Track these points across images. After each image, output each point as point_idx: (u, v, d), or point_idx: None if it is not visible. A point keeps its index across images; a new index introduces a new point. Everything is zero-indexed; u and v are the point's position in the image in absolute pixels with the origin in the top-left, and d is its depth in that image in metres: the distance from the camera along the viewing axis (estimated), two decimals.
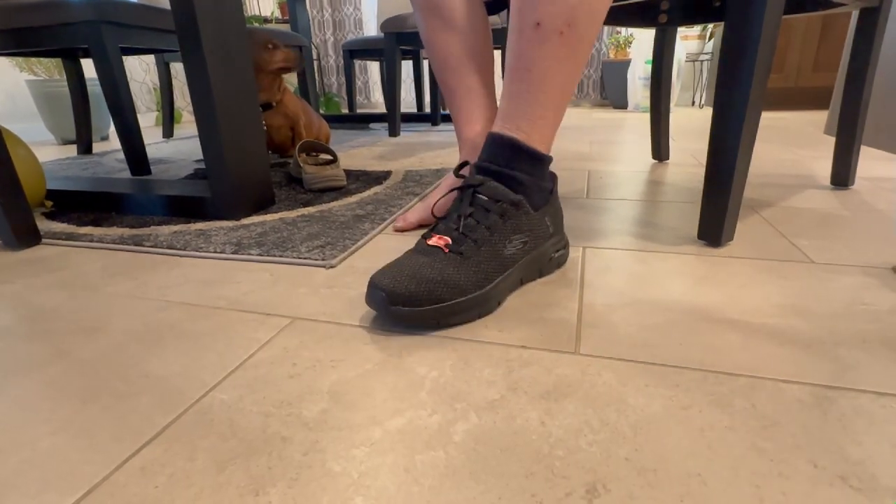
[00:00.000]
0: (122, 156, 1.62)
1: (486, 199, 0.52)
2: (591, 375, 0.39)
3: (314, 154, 1.21)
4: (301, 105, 1.42)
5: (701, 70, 3.09)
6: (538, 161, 0.54)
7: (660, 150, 1.26)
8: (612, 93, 3.17)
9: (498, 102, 0.60)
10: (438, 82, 0.78)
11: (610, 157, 1.35)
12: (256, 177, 0.87)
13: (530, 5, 0.50)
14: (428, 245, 0.51)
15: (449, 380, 0.40)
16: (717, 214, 0.65)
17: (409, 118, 2.33)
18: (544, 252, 0.57)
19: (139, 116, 2.79)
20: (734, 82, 0.60)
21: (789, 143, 1.54)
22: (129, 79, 2.70)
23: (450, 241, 0.50)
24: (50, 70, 2.17)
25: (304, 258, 0.65)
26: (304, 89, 2.18)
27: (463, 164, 0.57)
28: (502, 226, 0.51)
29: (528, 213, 0.53)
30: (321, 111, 3.03)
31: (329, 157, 1.18)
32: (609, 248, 0.67)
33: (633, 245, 0.68)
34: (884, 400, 0.36)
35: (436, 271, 0.47)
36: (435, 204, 0.71)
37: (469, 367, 0.41)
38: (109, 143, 2.08)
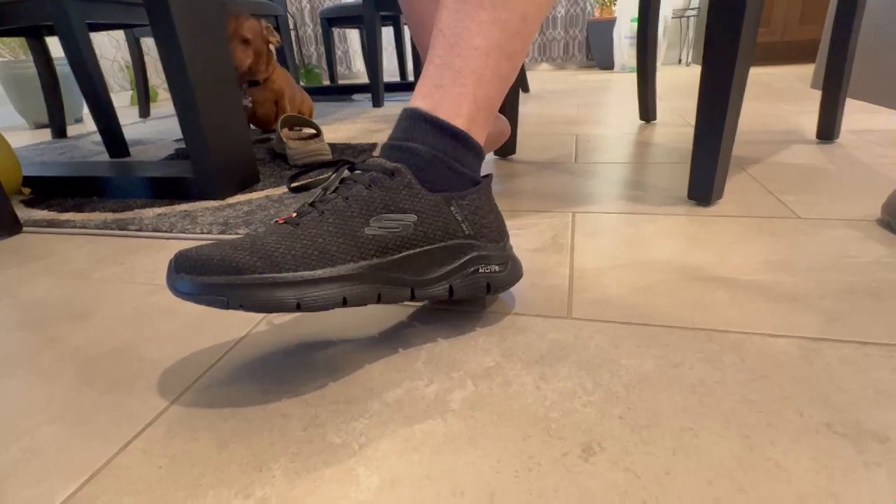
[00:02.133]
0: (98, 138, 1.57)
1: (358, 172, 0.40)
2: (583, 339, 0.40)
3: (297, 129, 1.19)
4: (287, 79, 1.39)
5: (687, 27, 3.03)
6: (446, 134, 0.41)
7: (647, 110, 1.25)
8: (597, 53, 3.11)
9: None
10: (416, 46, 0.75)
11: (597, 120, 1.33)
12: (239, 155, 0.85)
13: None
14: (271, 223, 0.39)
15: (444, 349, 0.40)
16: (706, 174, 0.65)
17: (392, 87, 2.28)
18: (449, 255, 0.41)
19: (113, 96, 2.70)
20: (723, 37, 0.59)
21: (776, 98, 1.53)
22: (99, 57, 2.60)
23: (294, 214, 0.39)
24: (15, 51, 2.08)
25: None
26: (283, 62, 2.12)
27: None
28: (365, 194, 0.38)
29: (413, 188, 0.39)
30: (302, 84, 2.95)
31: (313, 130, 1.15)
32: (599, 213, 0.67)
33: (624, 208, 0.68)
34: (867, 349, 0.37)
35: (248, 240, 0.36)
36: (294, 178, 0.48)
37: (464, 336, 0.41)
38: (84, 126, 2.02)
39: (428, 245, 0.40)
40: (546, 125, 1.31)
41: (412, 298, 0.40)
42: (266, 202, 0.78)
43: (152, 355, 0.42)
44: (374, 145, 1.17)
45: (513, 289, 0.49)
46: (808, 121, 1.17)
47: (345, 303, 0.36)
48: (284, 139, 1.07)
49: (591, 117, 1.39)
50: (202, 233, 0.67)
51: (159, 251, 0.64)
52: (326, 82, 3.54)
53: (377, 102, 1.84)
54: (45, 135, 1.81)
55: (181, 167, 0.85)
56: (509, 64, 0.43)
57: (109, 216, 0.77)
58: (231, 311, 0.48)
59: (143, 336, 0.45)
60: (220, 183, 0.80)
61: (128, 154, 1.25)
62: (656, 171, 0.84)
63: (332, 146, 1.18)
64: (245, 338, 0.43)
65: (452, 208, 0.41)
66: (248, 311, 0.34)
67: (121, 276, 0.58)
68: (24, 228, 0.75)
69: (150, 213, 0.77)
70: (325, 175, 0.43)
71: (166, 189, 0.83)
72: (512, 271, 0.45)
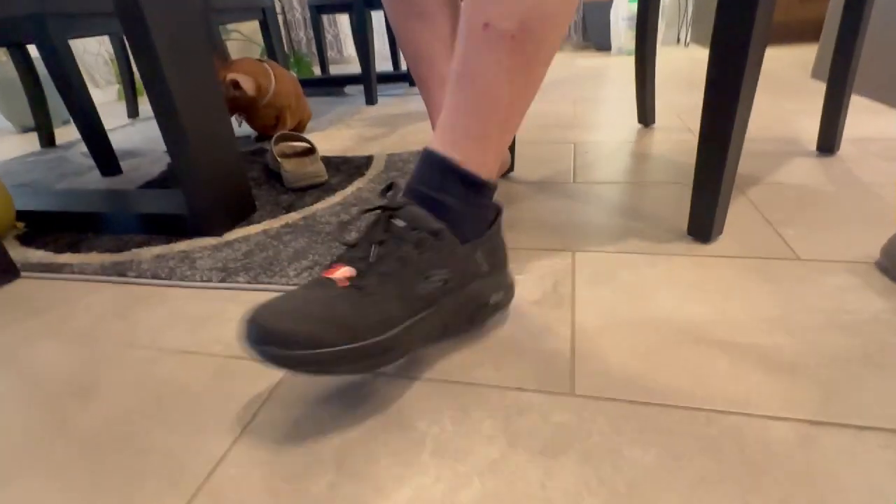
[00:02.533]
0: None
1: (402, 225, 0.44)
2: (586, 423, 0.41)
3: (291, 142, 1.17)
4: (290, 90, 1.34)
5: (686, 4, 2.95)
6: (474, 187, 0.46)
7: (646, 114, 1.23)
8: (594, 34, 3.04)
9: None
10: (411, 72, 0.73)
11: (595, 123, 1.32)
12: (233, 187, 0.84)
13: (479, 3, 0.42)
14: (324, 277, 0.43)
15: (450, 436, 0.41)
16: (706, 213, 0.65)
17: (385, 78, 2.23)
18: (475, 295, 0.49)
19: (99, 92, 2.64)
20: (725, 81, 0.58)
21: (774, 92, 1.51)
22: (82, 52, 2.52)
23: (352, 273, 0.43)
24: None
25: (294, 284, 0.64)
26: (272, 52, 2.06)
27: (389, 186, 0.48)
28: (417, 258, 0.43)
29: (453, 245, 0.45)
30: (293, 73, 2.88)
31: (306, 144, 1.14)
32: (599, 252, 0.67)
33: (623, 247, 0.68)
34: (864, 436, 0.37)
35: (324, 308, 0.39)
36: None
37: (468, 419, 0.42)
38: (73, 130, 1.97)
39: (459, 290, 0.47)
40: (544, 130, 1.29)
41: (445, 333, 0.48)
42: (264, 239, 0.77)
43: (161, 444, 0.42)
44: (370, 158, 1.15)
45: (517, 354, 0.49)
46: (809, 125, 1.15)
47: (403, 356, 0.44)
48: (279, 159, 1.06)
49: (589, 118, 1.37)
50: (202, 280, 0.67)
51: (161, 303, 0.64)
52: (317, 69, 3.45)
53: (370, 100, 1.80)
54: (33, 140, 1.78)
55: (174, 201, 0.84)
56: (527, 105, 0.47)
57: (107, 258, 0.76)
58: (239, 387, 0.48)
59: (150, 419, 0.45)
60: (216, 218, 0.80)
61: (119, 171, 1.23)
62: (656, 195, 0.83)
63: (328, 161, 1.16)
64: (253, 420, 0.44)
65: (477, 254, 0.48)
66: (332, 375, 0.44)
67: (123, 336, 0.58)
68: (22, 273, 0.75)
69: (147, 253, 0.77)
70: (368, 223, 0.48)
71: (162, 225, 0.82)
72: (510, 292, 0.54)
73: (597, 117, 1.37)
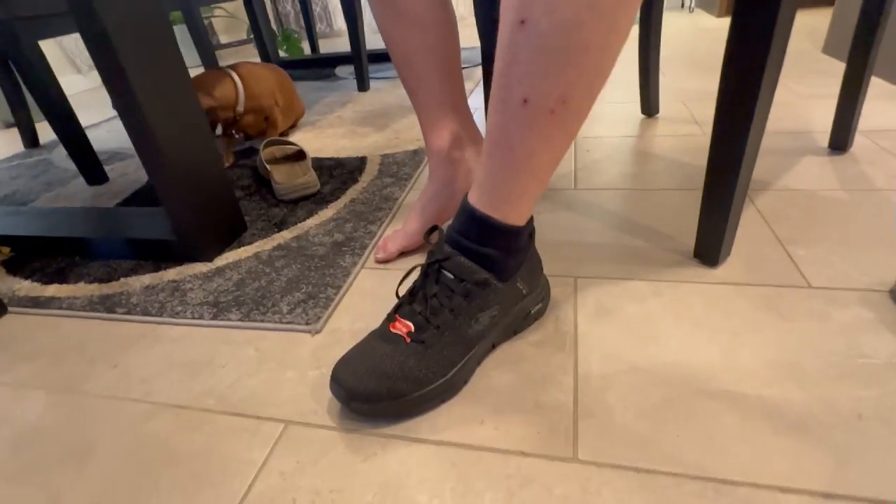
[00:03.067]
0: None
1: (451, 277, 0.49)
2: (591, 495, 0.40)
3: (280, 145, 1.12)
4: (277, 83, 1.27)
5: None
6: (512, 235, 0.49)
7: (649, 104, 1.18)
8: None
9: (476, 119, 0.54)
10: (398, 74, 0.70)
11: (596, 112, 1.26)
12: (221, 208, 0.81)
13: (517, 78, 0.41)
14: (391, 332, 0.50)
15: None
16: (715, 235, 0.62)
17: (376, 57, 2.14)
18: (518, 313, 0.55)
19: (80, 78, 2.56)
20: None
21: (785, 71, 1.44)
22: (61, 38, 2.42)
23: (412, 327, 0.49)
24: None
25: (288, 322, 0.62)
26: (257, 28, 1.97)
27: (433, 230, 0.53)
28: (467, 307, 0.49)
29: (498, 290, 0.50)
30: (282, 53, 2.77)
31: (296, 147, 1.09)
32: (602, 279, 0.64)
33: (628, 271, 0.65)
34: None
35: (396, 365, 0.47)
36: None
37: (470, 492, 0.41)
38: None
39: (506, 318, 0.53)
40: None
41: (493, 349, 0.55)
42: (256, 266, 0.75)
43: None
44: (363, 160, 1.11)
45: (518, 409, 0.48)
46: (821, 115, 1.11)
47: (465, 383, 0.51)
48: (268, 165, 1.02)
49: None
50: (193, 318, 0.65)
51: (152, 344, 0.62)
52: (306, 47, 3.31)
53: (362, 86, 1.74)
54: (16, 138, 1.72)
55: (162, 224, 0.81)
56: (563, 156, 0.47)
57: (96, 290, 0.74)
58: (233, 451, 0.46)
59: (143, 489, 0.44)
60: (205, 242, 0.77)
61: (105, 178, 1.19)
62: (661, 205, 0.80)
63: (319, 164, 1.12)
64: (248, 494, 0.43)
65: (518, 284, 0.53)
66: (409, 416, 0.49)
67: (115, 387, 0.56)
68: (10, 309, 0.73)
69: (137, 283, 0.74)
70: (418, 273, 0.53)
71: (151, 251, 0.80)
72: (547, 298, 0.59)
73: (599, 105, 1.32)
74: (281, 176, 0.98)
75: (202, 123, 0.76)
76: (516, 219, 0.48)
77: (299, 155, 1.08)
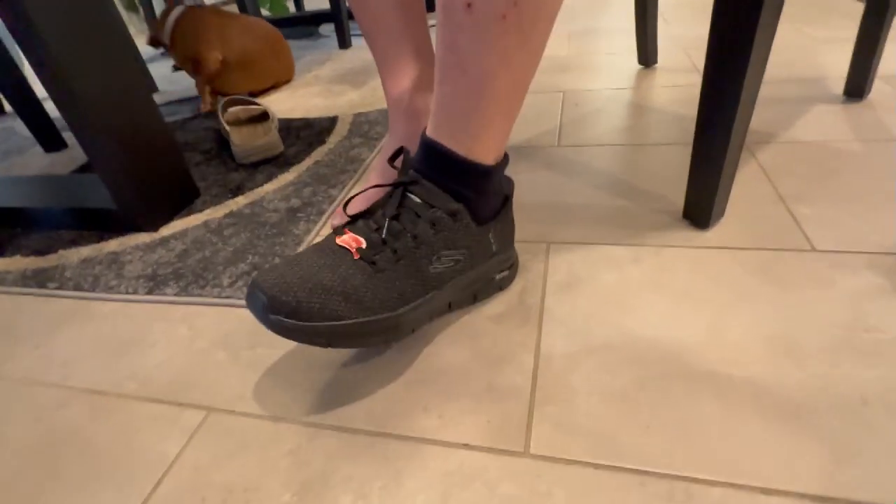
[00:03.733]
0: None
1: (419, 201, 0.42)
2: (540, 496, 0.34)
3: (245, 105, 1.04)
4: (210, 30, 1.17)
5: None
6: (481, 174, 0.43)
7: (647, 52, 1.08)
8: None
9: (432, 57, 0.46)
10: (357, 23, 0.62)
11: (590, 63, 1.16)
12: (167, 174, 0.74)
13: None
14: (336, 244, 0.42)
15: None
16: (705, 193, 0.55)
17: None
18: (483, 274, 0.48)
19: None
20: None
21: (800, 14, 1.31)
22: None
23: (364, 243, 0.41)
24: None
25: (227, 297, 0.56)
26: None
27: (398, 153, 0.46)
28: (432, 238, 0.42)
29: (469, 227, 0.44)
30: (265, 12, 2.62)
31: (261, 107, 1.01)
32: (578, 243, 0.57)
33: (607, 235, 0.58)
34: None
35: (336, 278, 0.39)
36: (349, 201, 0.50)
37: (400, 491, 0.35)
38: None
39: (471, 271, 0.46)
40: None
41: (449, 310, 0.48)
42: (203, 234, 0.69)
43: None
44: (333, 120, 1.03)
45: (468, 394, 0.42)
46: (838, 60, 1.00)
47: (411, 332, 0.44)
48: (228, 127, 0.94)
49: (583, 59, 1.21)
50: (127, 292, 0.59)
51: (83, 321, 0.57)
52: (292, 6, 3.14)
53: (343, 43, 1.63)
54: None
55: (104, 193, 0.74)
56: (530, 80, 0.41)
57: (30, 264, 0.68)
58: (147, 442, 0.41)
59: (45, 486, 0.39)
60: (149, 211, 0.71)
61: (64, 144, 1.12)
62: (652, 161, 0.72)
63: (287, 125, 1.04)
64: (154, 492, 0.38)
65: (490, 234, 0.46)
66: (339, 348, 0.43)
67: (34, 370, 0.51)
68: None
69: (74, 256, 0.68)
70: (380, 199, 0.45)
71: (93, 220, 0.73)
72: (514, 270, 0.53)
73: (593, 57, 1.21)
74: (240, 138, 0.90)
75: (137, 81, 0.68)
76: (482, 155, 0.42)
77: (263, 116, 1.00)
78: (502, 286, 0.52)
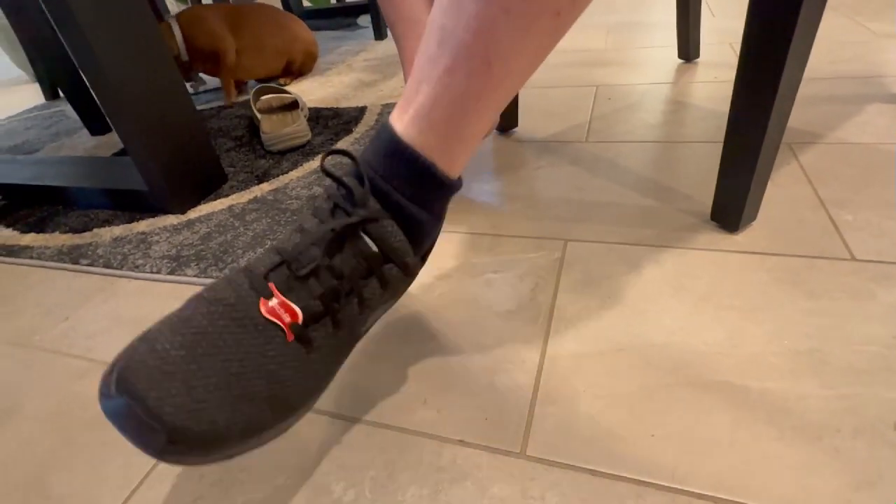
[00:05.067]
0: None
1: (374, 250, 0.33)
2: (531, 500, 0.33)
3: (277, 94, 1.06)
4: (228, 19, 1.18)
5: None
6: (448, 195, 0.35)
7: (688, 46, 1.03)
8: None
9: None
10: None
11: (627, 58, 1.12)
12: (196, 159, 0.76)
13: None
14: (262, 318, 0.30)
15: None
16: (735, 193, 0.52)
17: None
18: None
19: None
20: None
21: (862, 7, 1.22)
22: None
23: (300, 315, 0.30)
24: None
25: None
26: None
27: (333, 152, 0.34)
28: (378, 297, 0.34)
29: (411, 276, 0.36)
30: (308, 4, 2.66)
31: (292, 96, 1.03)
32: (596, 242, 0.55)
33: (629, 235, 0.56)
34: None
35: (267, 379, 0.29)
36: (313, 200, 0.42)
37: (392, 484, 0.35)
38: None
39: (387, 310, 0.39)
40: (564, 68, 1.11)
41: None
42: (227, 219, 0.70)
43: (59, 489, 0.38)
44: (362, 110, 1.03)
45: (468, 390, 0.41)
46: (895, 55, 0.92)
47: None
48: (259, 115, 0.96)
49: (620, 53, 1.17)
50: (151, 271, 0.61)
51: (108, 298, 0.59)
52: None
53: (379, 34, 1.63)
54: (40, 91, 1.74)
55: (137, 176, 0.77)
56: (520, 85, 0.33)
57: (67, 240, 0.72)
58: None
59: (57, 455, 0.41)
60: (177, 194, 0.73)
61: (108, 128, 1.17)
62: (683, 160, 0.69)
63: (317, 114, 1.05)
64: (153, 470, 0.39)
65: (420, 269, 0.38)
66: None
67: (59, 342, 0.54)
68: None
69: (107, 235, 0.71)
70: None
71: (126, 201, 0.76)
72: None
73: (630, 51, 1.17)
74: (269, 125, 0.92)
75: (169, 70, 0.70)
76: (457, 170, 0.35)
77: (294, 104, 1.02)
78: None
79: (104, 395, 0.26)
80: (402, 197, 0.33)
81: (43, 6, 0.59)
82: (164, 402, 0.25)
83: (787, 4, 0.41)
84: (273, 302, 0.30)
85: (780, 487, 0.31)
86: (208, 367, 0.27)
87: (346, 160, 0.31)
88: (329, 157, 0.34)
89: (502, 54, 0.29)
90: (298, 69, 1.34)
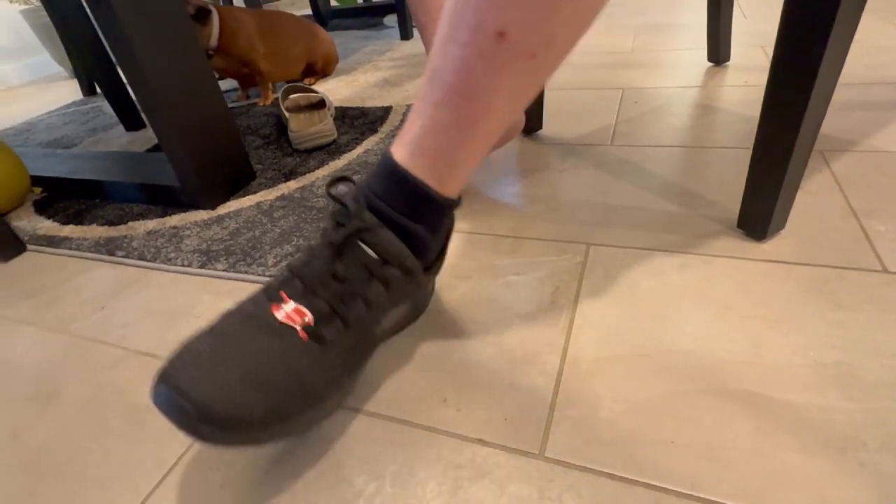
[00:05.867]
0: None
1: (373, 256, 0.37)
2: (549, 501, 0.33)
3: (305, 93, 1.08)
4: (253, 32, 1.20)
5: None
6: (445, 211, 0.39)
7: (717, 48, 1.01)
8: None
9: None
10: (423, 41, 0.62)
11: (654, 60, 1.11)
12: (226, 156, 0.78)
13: (496, 2, 0.30)
14: (277, 321, 0.35)
15: (386, 498, 0.35)
16: (764, 200, 0.51)
17: None
18: (419, 311, 0.48)
19: None
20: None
21: (889, 8, 1.19)
22: None
23: (311, 318, 0.35)
24: None
25: (269, 276, 0.59)
26: None
27: (339, 179, 0.41)
28: (384, 299, 0.38)
29: (421, 286, 0.40)
30: (333, 2, 2.70)
31: (319, 95, 1.05)
32: (620, 247, 0.55)
33: (652, 241, 0.55)
34: None
35: (284, 370, 0.33)
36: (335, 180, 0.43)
37: (412, 479, 0.36)
38: None
39: (411, 318, 0.46)
40: (590, 70, 1.11)
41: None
42: (255, 215, 0.72)
43: (95, 472, 0.40)
44: (387, 110, 1.04)
45: (489, 390, 0.41)
46: None
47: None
48: (287, 115, 0.98)
49: (649, 54, 1.15)
50: (182, 265, 0.64)
51: (141, 289, 0.62)
52: None
53: (405, 34, 1.64)
54: (78, 87, 1.80)
55: (170, 172, 0.80)
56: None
57: (104, 233, 0.75)
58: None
59: (93, 438, 0.43)
60: (207, 191, 0.75)
61: (142, 124, 1.21)
62: (710, 166, 0.68)
63: (343, 113, 1.07)
64: (186, 453, 0.40)
65: (431, 281, 0.45)
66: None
67: (97, 329, 0.56)
68: (28, 247, 0.75)
69: (142, 228, 0.74)
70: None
71: (159, 196, 0.79)
72: (431, 294, 0.51)
73: (658, 53, 1.16)
74: (297, 124, 0.94)
75: (203, 68, 0.72)
76: (453, 190, 0.38)
77: (321, 104, 1.04)
78: (422, 312, 0.49)
79: (153, 388, 0.31)
80: (394, 211, 0.37)
81: (86, 7, 0.61)
82: (195, 388, 0.30)
83: (823, 7, 0.40)
84: (286, 307, 0.35)
85: (801, 499, 0.31)
86: (232, 362, 0.32)
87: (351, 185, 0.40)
88: (334, 185, 0.40)
89: (479, 92, 0.33)
90: (321, 71, 1.37)
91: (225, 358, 0.32)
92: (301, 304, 0.35)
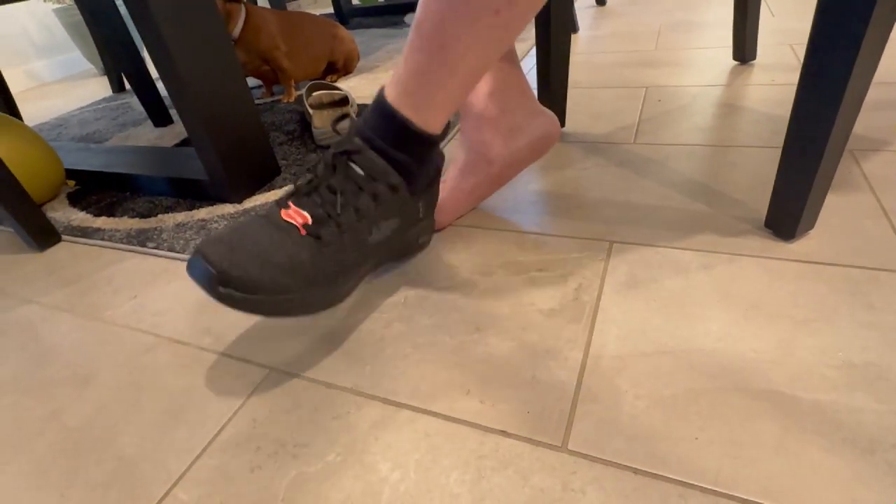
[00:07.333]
0: None
1: (361, 173, 0.45)
2: (572, 493, 0.33)
3: (328, 90, 1.09)
4: (276, 30, 1.22)
5: None
6: (428, 145, 0.46)
7: (744, 47, 1.00)
8: None
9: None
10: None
11: (678, 59, 1.09)
12: (253, 151, 0.79)
13: None
14: (283, 220, 0.44)
15: (410, 487, 0.36)
16: (793, 198, 0.50)
17: None
18: (410, 237, 0.53)
19: None
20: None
21: None
22: None
23: (310, 219, 0.44)
24: None
25: None
26: None
27: (342, 118, 0.51)
28: (373, 211, 0.45)
29: (406, 199, 0.48)
30: (355, 1, 2.72)
31: (342, 92, 1.06)
32: (643, 245, 0.55)
33: (676, 239, 0.55)
34: None
35: (286, 255, 0.42)
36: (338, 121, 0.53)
37: (436, 467, 0.37)
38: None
39: (401, 235, 0.50)
40: (613, 68, 1.10)
41: (375, 269, 0.53)
42: None
43: (131, 451, 0.42)
44: None
45: (511, 383, 0.42)
46: None
47: (347, 295, 0.47)
48: (311, 112, 1.00)
49: (672, 53, 1.14)
50: None
51: (171, 280, 0.63)
52: None
53: None
54: (108, 84, 1.85)
55: (198, 166, 0.82)
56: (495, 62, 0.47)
57: (135, 224, 0.77)
58: (216, 392, 0.45)
59: (128, 419, 0.45)
60: (234, 185, 0.77)
61: (170, 120, 1.24)
62: (735, 165, 0.67)
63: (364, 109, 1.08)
64: (218, 435, 0.42)
65: (420, 203, 0.50)
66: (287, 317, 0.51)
67: (129, 317, 0.58)
68: (63, 238, 0.78)
69: (171, 220, 0.76)
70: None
71: (187, 189, 0.81)
72: (432, 232, 0.58)
73: (683, 52, 1.14)
74: (320, 120, 0.95)
75: (232, 65, 0.74)
76: (435, 126, 0.45)
77: (344, 101, 1.05)
78: (423, 247, 0.58)
79: (188, 262, 0.41)
80: (382, 141, 0.44)
81: (125, 3, 0.63)
82: (218, 259, 0.40)
83: (856, 12, 0.39)
84: (289, 210, 0.44)
85: (828, 498, 0.31)
86: (246, 242, 0.42)
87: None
88: (338, 121, 0.51)
89: (452, 41, 0.39)
90: (343, 69, 1.38)
91: (243, 242, 0.42)
92: (302, 208, 0.44)
